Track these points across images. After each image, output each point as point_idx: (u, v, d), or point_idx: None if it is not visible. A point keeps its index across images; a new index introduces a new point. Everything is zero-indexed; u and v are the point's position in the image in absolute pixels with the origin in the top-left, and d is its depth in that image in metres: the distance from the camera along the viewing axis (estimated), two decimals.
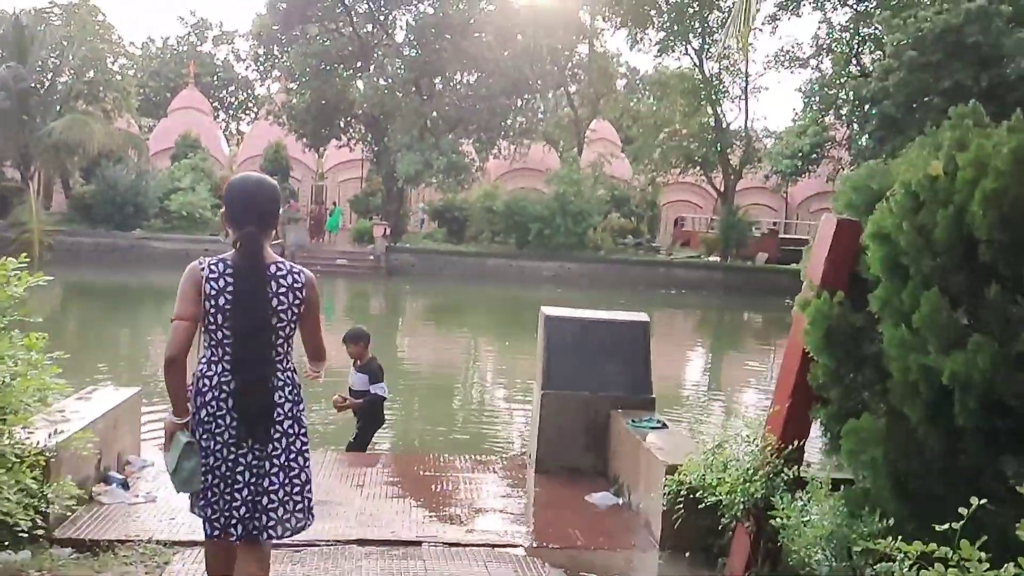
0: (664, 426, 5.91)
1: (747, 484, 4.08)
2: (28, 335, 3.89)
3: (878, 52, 30.54)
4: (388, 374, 7.69)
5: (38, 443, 3.66)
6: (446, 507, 5.74)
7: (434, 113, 33.87)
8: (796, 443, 4.18)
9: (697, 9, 35.35)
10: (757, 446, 4.30)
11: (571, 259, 33.34)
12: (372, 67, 34.11)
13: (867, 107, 26.91)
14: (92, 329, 19.79)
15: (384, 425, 8.05)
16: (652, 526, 5.12)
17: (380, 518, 5.38)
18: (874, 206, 4.08)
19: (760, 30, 35.80)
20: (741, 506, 4.15)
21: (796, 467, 4.13)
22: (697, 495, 4.38)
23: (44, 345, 3.92)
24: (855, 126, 29.22)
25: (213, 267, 3.16)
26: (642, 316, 6.90)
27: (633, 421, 6.00)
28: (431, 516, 5.52)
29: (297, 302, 3.23)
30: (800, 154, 31.19)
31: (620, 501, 5.86)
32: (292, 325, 3.24)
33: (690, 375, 17.18)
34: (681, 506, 4.59)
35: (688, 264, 34.88)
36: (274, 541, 3.27)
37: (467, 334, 22.38)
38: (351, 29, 35.04)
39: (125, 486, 5.52)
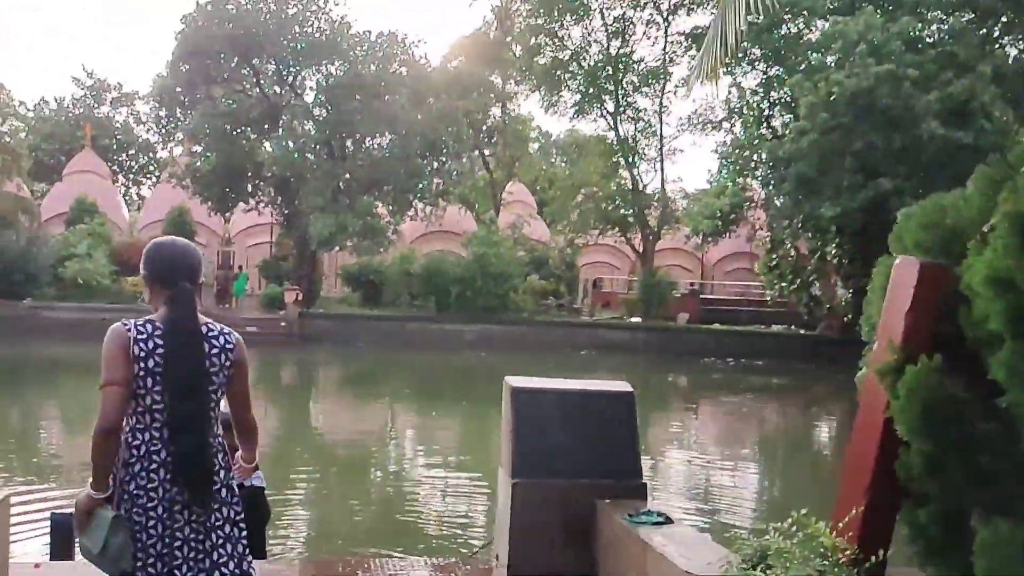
0: (669, 520, 4.91)
1: None
2: None
3: (788, 116, 31.02)
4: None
5: None
6: None
7: (347, 175, 32.84)
8: (880, 555, 3.27)
9: (611, 72, 35.49)
10: (827, 555, 3.35)
11: (493, 321, 32.40)
12: (281, 129, 32.96)
13: (783, 168, 27.06)
14: None
15: (270, 517, 6.94)
16: None
17: None
18: (951, 247, 3.35)
19: (674, 94, 36.20)
20: None
21: None
22: None
23: None
24: (771, 187, 29.37)
25: (141, 328, 3.00)
26: (625, 386, 5.93)
27: (630, 515, 4.99)
28: None
29: (228, 363, 3.08)
30: (720, 214, 31.27)
31: None
32: (222, 389, 3.10)
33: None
34: None
35: (611, 325, 34.35)
36: None
37: (388, 405, 21.06)
38: (258, 90, 33.93)
39: None
